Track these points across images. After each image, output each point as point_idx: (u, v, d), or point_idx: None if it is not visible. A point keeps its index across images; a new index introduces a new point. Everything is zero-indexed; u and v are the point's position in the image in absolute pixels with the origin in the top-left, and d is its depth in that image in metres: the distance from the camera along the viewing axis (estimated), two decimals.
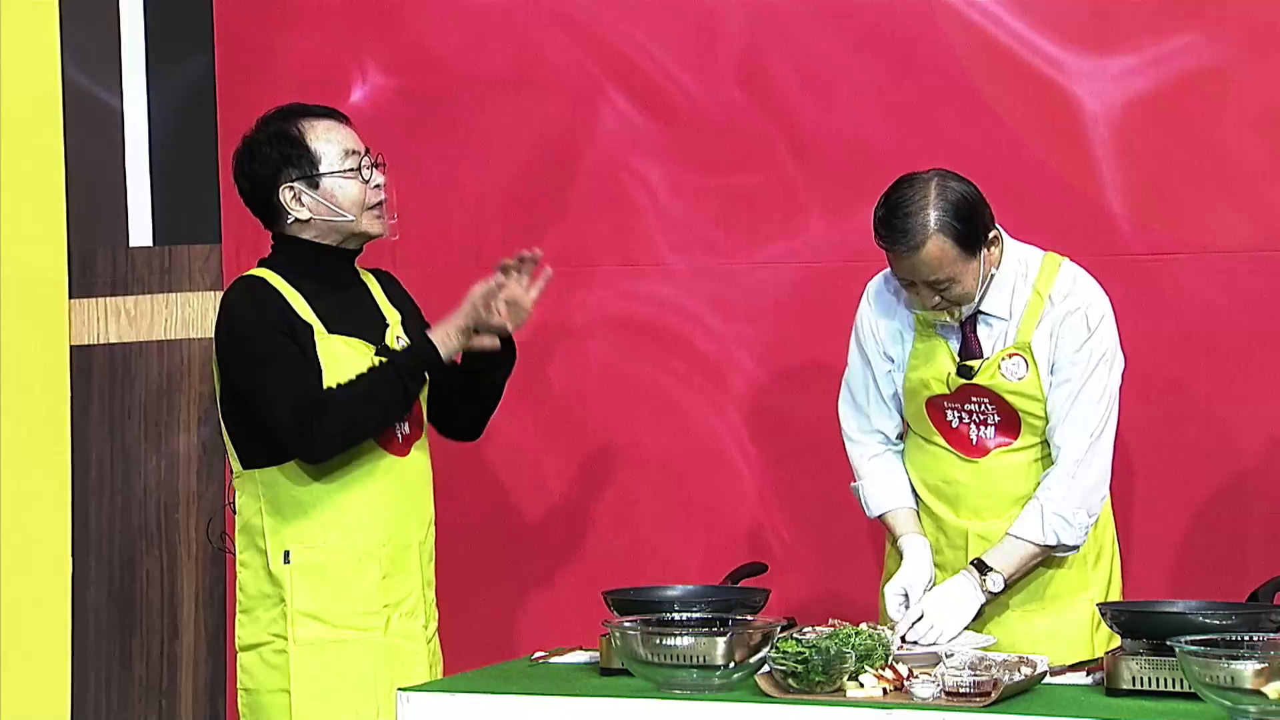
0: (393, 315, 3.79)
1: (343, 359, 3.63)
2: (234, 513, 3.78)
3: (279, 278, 3.67)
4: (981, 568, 3.56)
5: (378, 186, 3.69)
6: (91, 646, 4.95)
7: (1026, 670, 3.12)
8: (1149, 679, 3.04)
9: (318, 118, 3.71)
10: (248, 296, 3.66)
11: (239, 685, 3.75)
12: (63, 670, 4.90)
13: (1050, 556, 3.64)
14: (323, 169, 3.65)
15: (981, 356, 3.64)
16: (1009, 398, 3.64)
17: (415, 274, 4.55)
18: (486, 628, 4.65)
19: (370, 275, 3.85)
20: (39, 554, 4.88)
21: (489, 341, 3.67)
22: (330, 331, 3.64)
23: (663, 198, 4.65)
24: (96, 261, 4.98)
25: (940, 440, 3.73)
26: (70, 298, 4.95)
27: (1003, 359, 3.63)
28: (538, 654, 3.63)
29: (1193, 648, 2.82)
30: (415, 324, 3.78)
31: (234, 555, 3.77)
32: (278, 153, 3.67)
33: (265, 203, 3.70)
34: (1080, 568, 3.70)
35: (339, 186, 3.66)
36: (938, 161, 4.42)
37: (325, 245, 3.70)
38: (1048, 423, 3.65)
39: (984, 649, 3.36)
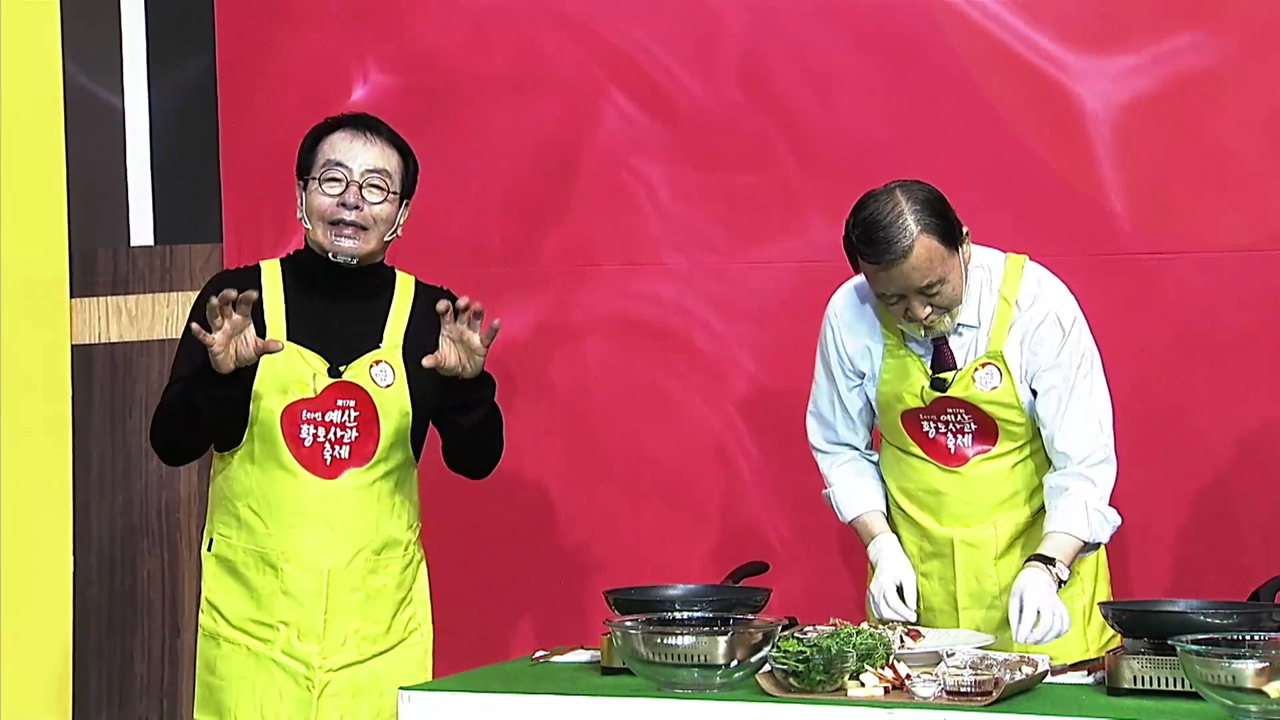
0: (392, 338, 3.67)
1: (281, 367, 3.57)
2: None
3: (278, 271, 3.67)
4: (1046, 560, 3.49)
5: (343, 204, 3.59)
6: (92, 646, 4.95)
7: (1027, 669, 3.12)
8: (1150, 678, 3.04)
9: (343, 128, 3.66)
10: (214, 286, 3.60)
11: None
12: (64, 669, 4.90)
13: None
14: (310, 173, 3.64)
15: (954, 367, 3.63)
16: (985, 407, 3.63)
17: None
18: (486, 628, 4.65)
19: (411, 289, 3.74)
20: (40, 553, 4.88)
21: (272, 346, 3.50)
22: (289, 339, 3.59)
23: (664, 197, 4.65)
24: (97, 261, 4.98)
25: (918, 451, 3.72)
26: (71, 297, 4.95)
27: (976, 369, 3.62)
28: (538, 653, 3.63)
29: (1194, 647, 2.82)
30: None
31: None
32: (302, 149, 3.69)
33: None
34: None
35: (311, 192, 3.63)
36: (938, 161, 4.45)
37: (316, 254, 3.66)
38: (1035, 430, 3.65)
39: (984, 648, 3.36)
